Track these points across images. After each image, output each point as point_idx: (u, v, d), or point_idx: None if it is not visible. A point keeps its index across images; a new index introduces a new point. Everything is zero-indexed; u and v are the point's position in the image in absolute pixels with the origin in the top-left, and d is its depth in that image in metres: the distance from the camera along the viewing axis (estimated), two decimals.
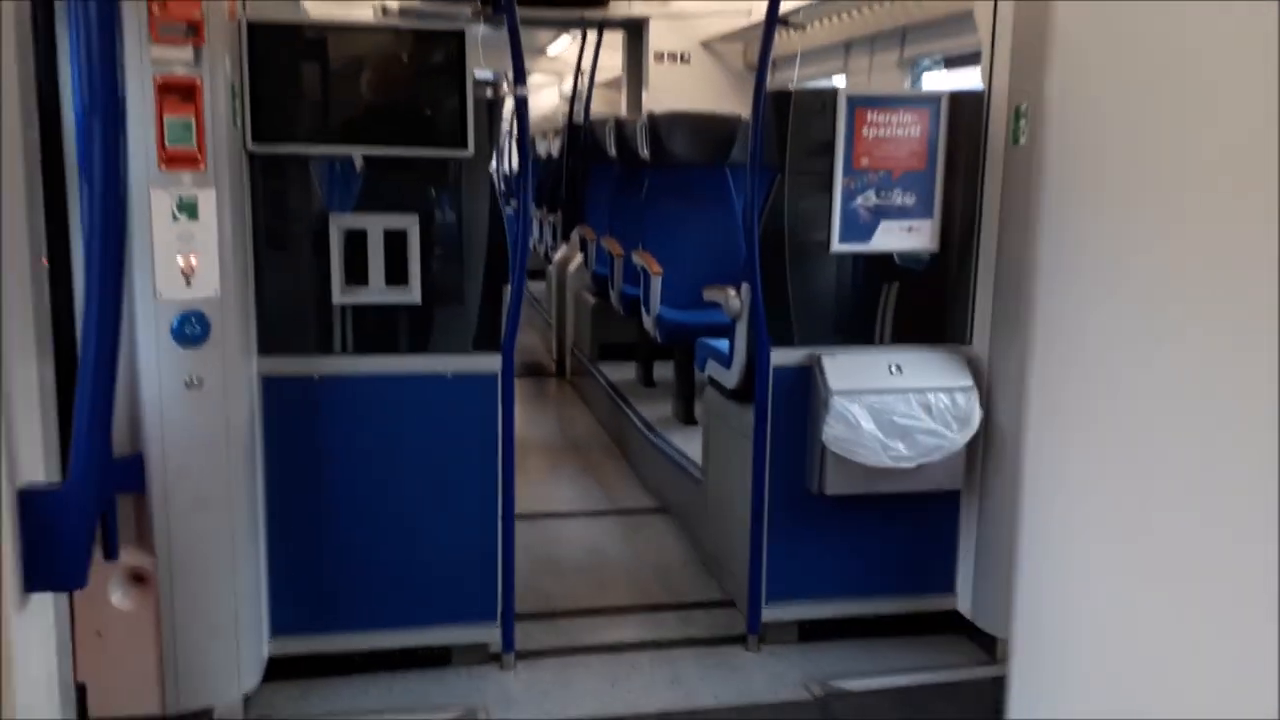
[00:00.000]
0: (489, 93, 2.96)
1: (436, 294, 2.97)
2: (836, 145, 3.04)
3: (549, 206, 8.09)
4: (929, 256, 3.19)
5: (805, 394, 3.11)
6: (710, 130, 4.98)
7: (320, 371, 2.84)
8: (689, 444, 4.32)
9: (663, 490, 4.38)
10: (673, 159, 4.99)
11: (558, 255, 7.13)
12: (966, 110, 3.08)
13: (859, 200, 3.10)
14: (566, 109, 7.22)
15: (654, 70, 6.82)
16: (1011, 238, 2.98)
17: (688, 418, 4.65)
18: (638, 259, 4.83)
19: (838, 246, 3.10)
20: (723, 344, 3.60)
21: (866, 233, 3.12)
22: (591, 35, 6.98)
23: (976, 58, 3.18)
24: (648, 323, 4.73)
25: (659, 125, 4.96)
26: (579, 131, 6.74)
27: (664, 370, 5.43)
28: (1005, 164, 2.99)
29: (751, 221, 3.08)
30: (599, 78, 8.82)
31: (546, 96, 13.52)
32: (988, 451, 3.09)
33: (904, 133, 3.08)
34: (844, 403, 3.00)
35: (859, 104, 3.05)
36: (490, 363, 2.98)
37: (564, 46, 10.10)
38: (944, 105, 3.08)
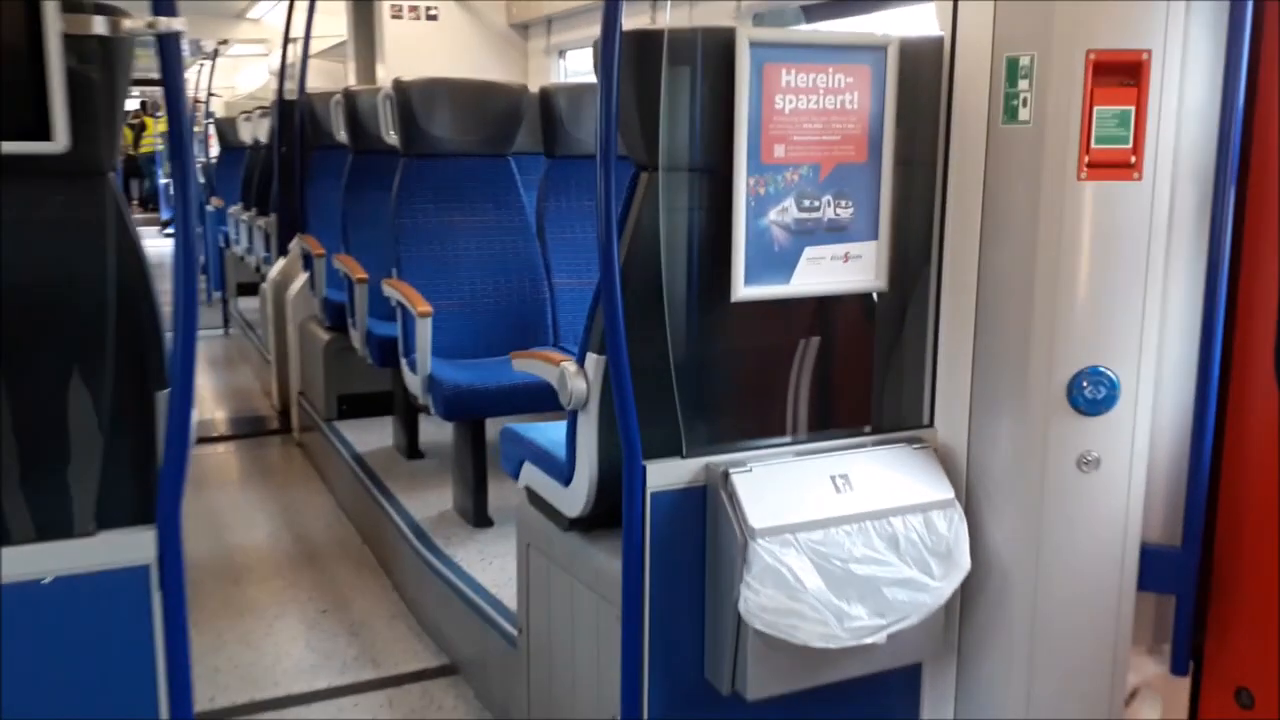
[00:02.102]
0: (100, 28, 1.49)
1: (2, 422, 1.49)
2: (737, 124, 1.84)
3: (258, 208, 6.38)
4: (874, 298, 2.07)
5: (702, 532, 1.90)
6: (489, 105, 3.62)
7: None
8: (488, 567, 2.98)
9: (449, 637, 2.98)
10: (435, 145, 3.58)
11: (273, 271, 5.50)
12: (926, 66, 1.97)
13: (773, 214, 1.91)
14: (277, 85, 5.58)
15: (391, 30, 5.31)
16: (999, 264, 1.91)
17: (480, 517, 3.30)
18: (393, 290, 3.41)
19: (744, 290, 1.90)
20: (549, 432, 2.31)
21: (785, 266, 1.93)
22: None
23: None
24: (414, 385, 3.32)
25: (412, 99, 3.54)
26: (292, 109, 5.14)
27: (435, 432, 4.03)
28: (989, 152, 1.91)
29: (608, 250, 1.81)
30: (316, 46, 7.18)
31: (254, 72, 11.48)
32: (973, 596, 2.02)
33: (836, 102, 1.92)
34: (772, 549, 1.81)
35: (769, 55, 1.85)
36: (135, 545, 1.54)
37: (270, 9, 8.28)
38: (891, 57, 1.95)
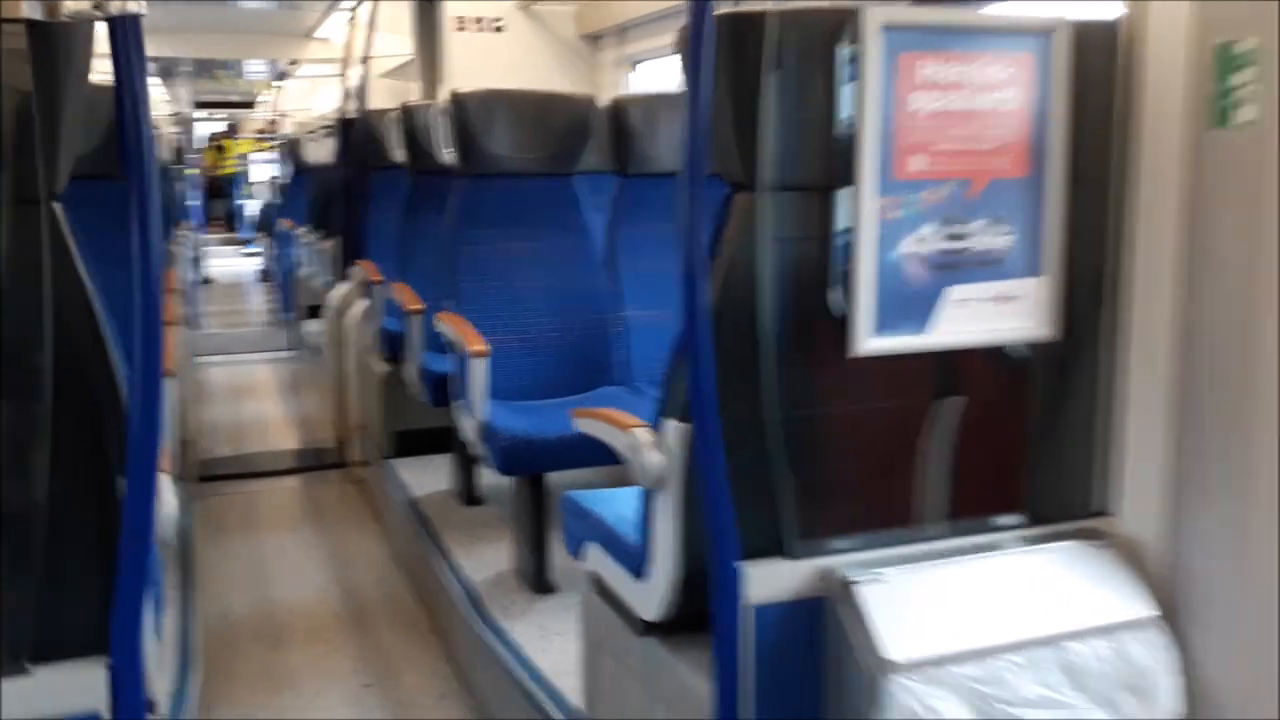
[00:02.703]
0: (32, 12, 1.15)
1: None
2: (863, 129, 1.42)
3: (323, 230, 6.14)
4: (1039, 350, 1.62)
5: (816, 658, 1.48)
6: (554, 119, 3.25)
7: None
8: (549, 646, 2.59)
9: None
10: (495, 163, 3.22)
11: (333, 297, 5.24)
12: (1100, 57, 1.53)
13: (907, 245, 1.48)
14: (349, 104, 5.33)
15: (454, 42, 5.00)
16: (1211, 305, 1.45)
17: (541, 582, 2.91)
18: (446, 326, 3.06)
19: (869, 342, 1.47)
20: (618, 504, 1.91)
21: (922, 310, 1.51)
22: (367, 5, 5.12)
23: None
24: (468, 430, 2.96)
25: (469, 112, 3.19)
26: (353, 128, 4.87)
27: (496, 475, 3.66)
28: (1191, 163, 1.46)
29: (693, 291, 1.40)
30: (385, 65, 6.96)
31: (330, 93, 11.41)
32: None
33: (990, 102, 1.49)
34: (915, 687, 1.37)
35: (906, 41, 1.43)
36: (80, 686, 1.18)
37: (339, 29, 8.11)
38: (1059, 44, 1.51)
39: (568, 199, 3.27)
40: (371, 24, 5.01)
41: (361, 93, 4.72)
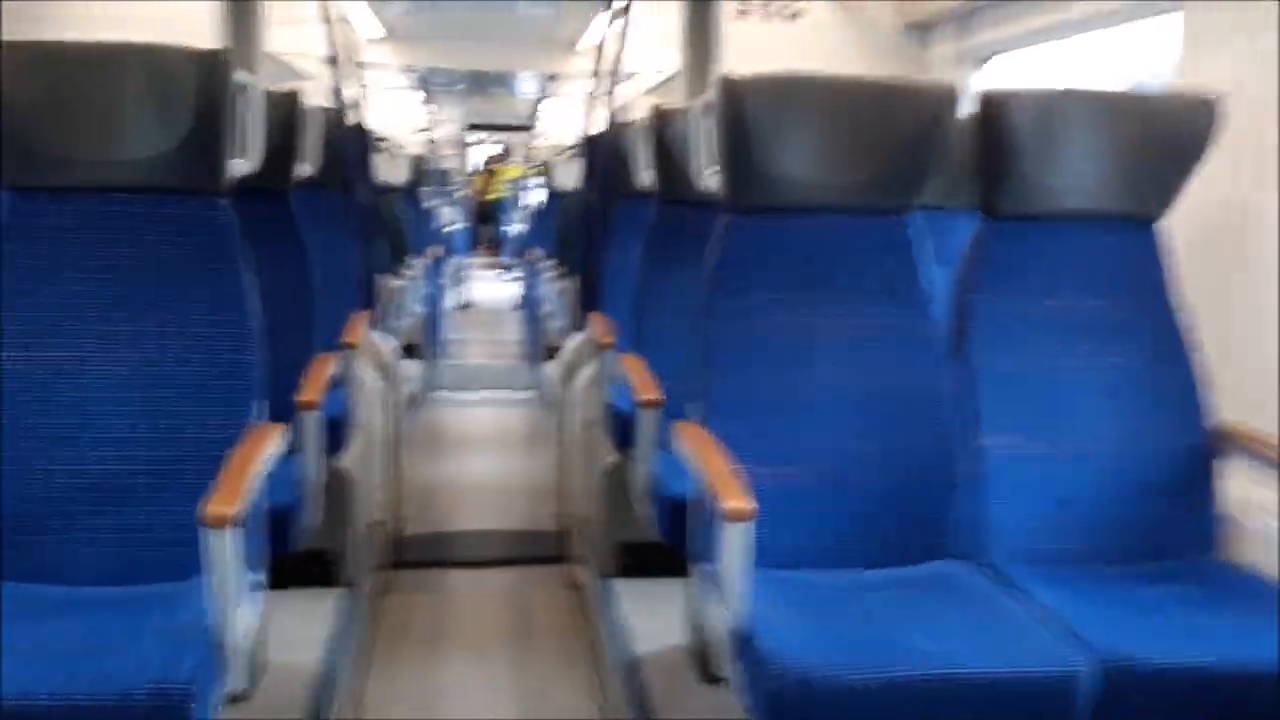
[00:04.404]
0: None
1: None
2: None
3: (564, 266, 5.30)
4: None
5: None
6: (881, 123, 2.05)
7: None
8: None
9: None
10: (777, 189, 2.06)
11: (565, 349, 4.32)
12: None
13: None
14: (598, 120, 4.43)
15: (735, 35, 3.90)
16: None
17: None
18: (691, 450, 1.93)
19: None
20: None
21: None
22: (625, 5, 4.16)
23: None
24: (717, 627, 1.82)
25: (744, 108, 2.05)
26: (599, 146, 3.93)
27: None
28: None
29: None
30: (651, 80, 6.07)
31: (582, 112, 10.83)
32: None
33: None
34: None
35: None
36: None
37: (600, 37, 7.37)
38: None
39: (897, 250, 2.06)
40: (625, 27, 4.04)
41: (608, 97, 3.75)
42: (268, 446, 1.73)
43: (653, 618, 2.92)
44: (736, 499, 1.68)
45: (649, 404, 2.41)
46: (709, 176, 2.20)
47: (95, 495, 1.63)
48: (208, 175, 1.91)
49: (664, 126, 2.85)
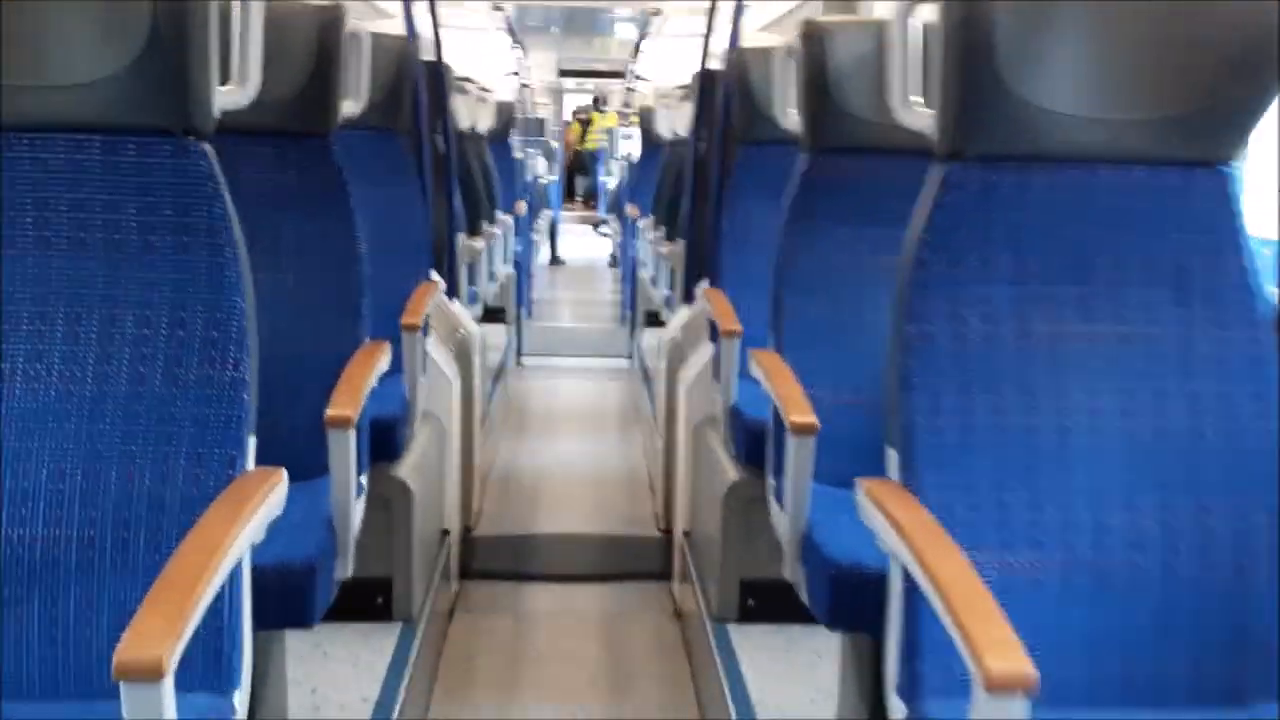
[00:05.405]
0: None
1: None
2: None
3: (666, 226, 4.64)
4: None
5: None
6: (1192, 40, 1.31)
7: None
8: None
9: None
10: (1044, 130, 1.35)
11: (671, 326, 3.69)
12: None
13: None
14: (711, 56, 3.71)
15: None
16: None
17: None
18: (879, 522, 1.26)
19: None
20: None
21: None
22: None
23: None
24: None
25: (992, 12, 1.33)
26: (712, 86, 3.24)
27: None
28: None
29: None
30: (774, 13, 5.35)
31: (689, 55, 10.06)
32: None
33: None
34: None
35: None
36: None
37: None
38: None
39: (1184, 217, 1.34)
40: None
41: (734, 27, 3.04)
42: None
43: (785, 678, 2.31)
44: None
45: (802, 430, 1.73)
46: (911, 113, 1.49)
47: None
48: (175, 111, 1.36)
49: (818, 50, 2.14)
